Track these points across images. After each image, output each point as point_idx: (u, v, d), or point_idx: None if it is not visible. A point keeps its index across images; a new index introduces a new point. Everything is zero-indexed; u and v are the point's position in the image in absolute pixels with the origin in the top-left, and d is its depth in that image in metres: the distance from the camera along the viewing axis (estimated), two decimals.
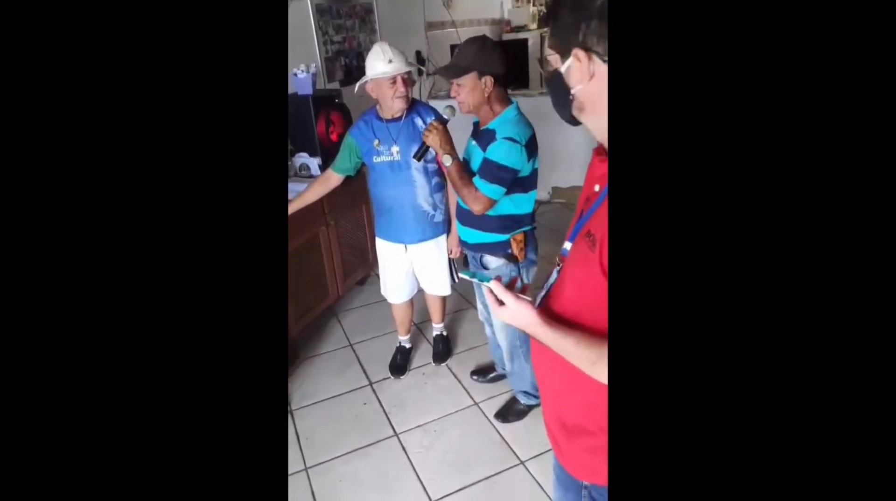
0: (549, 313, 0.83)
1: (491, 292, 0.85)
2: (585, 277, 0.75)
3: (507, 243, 1.80)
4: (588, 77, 0.69)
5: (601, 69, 0.67)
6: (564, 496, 0.96)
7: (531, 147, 1.70)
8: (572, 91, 0.71)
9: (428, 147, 1.75)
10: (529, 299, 0.83)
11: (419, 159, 1.85)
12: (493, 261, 1.86)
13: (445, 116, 1.76)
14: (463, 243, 1.96)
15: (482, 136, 1.74)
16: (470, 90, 1.69)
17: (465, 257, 2.06)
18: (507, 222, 1.79)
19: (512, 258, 1.83)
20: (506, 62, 1.71)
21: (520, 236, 1.80)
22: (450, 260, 2.20)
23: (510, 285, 0.87)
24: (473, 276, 0.97)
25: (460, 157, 1.78)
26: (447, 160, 1.70)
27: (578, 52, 0.68)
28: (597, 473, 0.85)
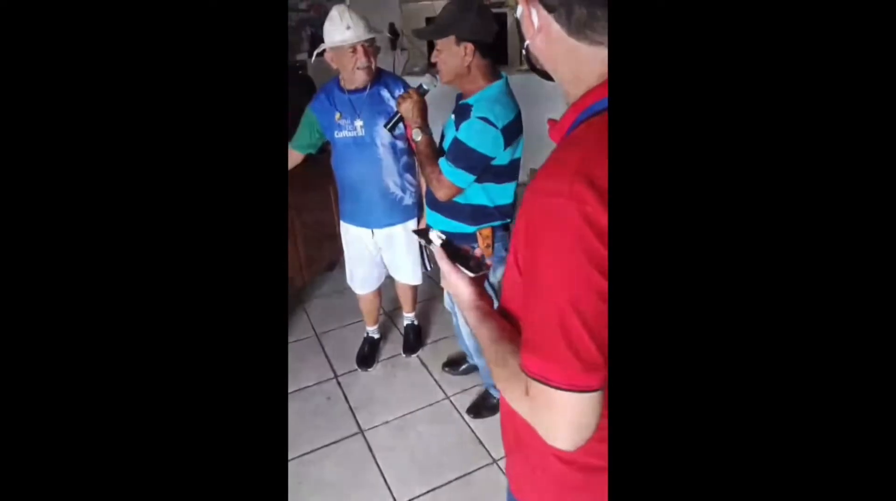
0: (499, 304, 0.75)
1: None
2: (510, 269, 0.67)
3: (472, 237, 1.62)
4: (533, 29, 0.60)
5: (546, 21, 0.58)
6: None
7: (510, 133, 1.46)
8: (525, 43, 0.64)
9: (401, 117, 1.56)
10: (471, 274, 0.77)
11: (391, 130, 1.65)
12: None
13: (425, 86, 1.56)
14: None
15: (459, 111, 1.54)
16: (447, 56, 1.47)
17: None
18: (476, 214, 1.60)
19: None
20: (494, 31, 1.48)
21: (487, 232, 1.61)
22: (420, 246, 2.04)
23: (470, 257, 0.81)
24: (423, 234, 0.89)
25: (439, 132, 1.60)
26: (417, 135, 1.52)
27: None
28: (522, 492, 0.78)
